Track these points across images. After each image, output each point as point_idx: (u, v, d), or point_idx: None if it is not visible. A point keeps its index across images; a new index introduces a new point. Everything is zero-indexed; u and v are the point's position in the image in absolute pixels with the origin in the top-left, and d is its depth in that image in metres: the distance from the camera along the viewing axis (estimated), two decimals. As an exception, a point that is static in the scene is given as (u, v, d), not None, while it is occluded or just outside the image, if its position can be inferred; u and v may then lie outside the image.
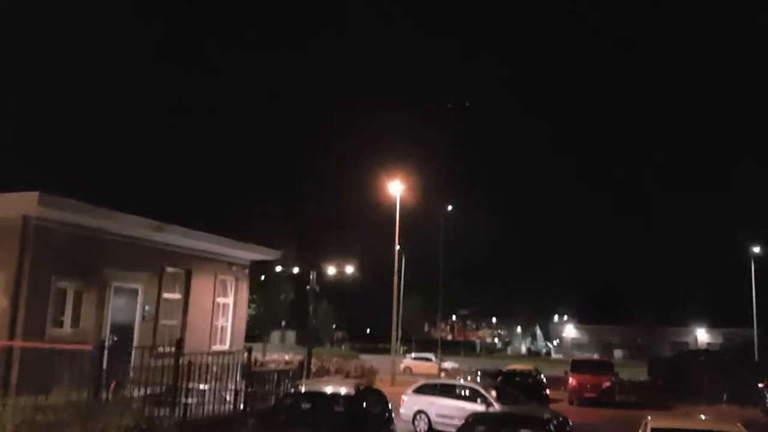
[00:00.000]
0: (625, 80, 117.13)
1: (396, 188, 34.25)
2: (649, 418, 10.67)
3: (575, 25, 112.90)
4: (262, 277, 48.40)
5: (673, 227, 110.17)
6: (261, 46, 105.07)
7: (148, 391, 13.04)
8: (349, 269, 57.11)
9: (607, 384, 28.01)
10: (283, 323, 75.13)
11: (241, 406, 14.88)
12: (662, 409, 25.43)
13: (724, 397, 28.62)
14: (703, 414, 19.01)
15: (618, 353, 72.33)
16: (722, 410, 26.60)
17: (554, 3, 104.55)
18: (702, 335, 77.88)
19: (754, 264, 47.89)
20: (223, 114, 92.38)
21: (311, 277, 23.26)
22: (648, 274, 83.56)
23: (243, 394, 15.00)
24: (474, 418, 11.81)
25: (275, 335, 72.90)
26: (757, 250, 47.91)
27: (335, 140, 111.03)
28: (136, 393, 12.74)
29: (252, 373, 15.28)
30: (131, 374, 13.80)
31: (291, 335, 79.29)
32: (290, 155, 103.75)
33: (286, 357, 35.09)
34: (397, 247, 34.58)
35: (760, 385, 26.58)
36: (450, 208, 44.17)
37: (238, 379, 15.76)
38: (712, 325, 76.59)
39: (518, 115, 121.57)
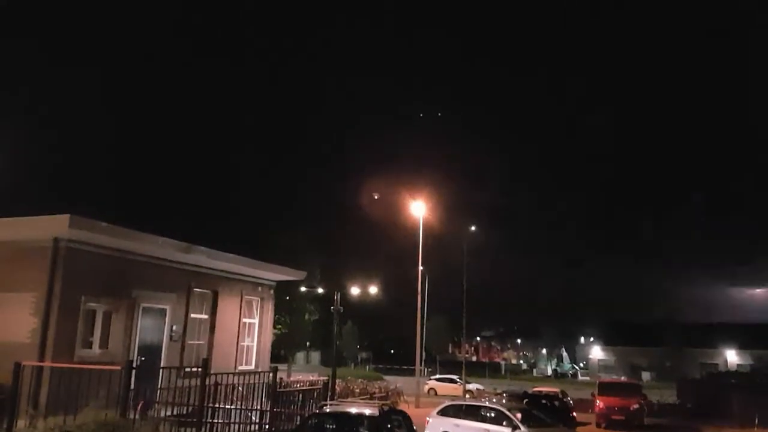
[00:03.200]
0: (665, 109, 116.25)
1: (419, 208, 34.33)
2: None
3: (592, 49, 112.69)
4: (287, 298, 48.64)
5: (703, 248, 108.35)
6: (287, 62, 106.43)
7: (175, 411, 13.19)
8: (373, 290, 57.11)
9: (635, 406, 27.49)
10: (308, 344, 75.21)
11: (267, 426, 14.95)
12: (692, 433, 25.03)
13: (756, 420, 27.91)
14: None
15: (646, 375, 70.97)
16: (754, 434, 26.05)
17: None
18: (732, 357, 76.13)
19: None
20: (251, 136, 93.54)
21: (336, 297, 23.29)
22: (676, 292, 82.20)
23: (268, 414, 15.07)
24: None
25: (300, 356, 72.91)
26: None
27: (360, 160, 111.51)
28: (163, 413, 12.89)
29: (277, 394, 15.35)
30: (159, 394, 13.97)
31: (315, 356, 79.26)
32: (316, 176, 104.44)
33: (311, 377, 35.03)
34: (421, 268, 34.58)
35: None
36: (473, 228, 44.13)
37: (263, 399, 15.85)
38: (741, 347, 74.88)
39: (544, 131, 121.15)
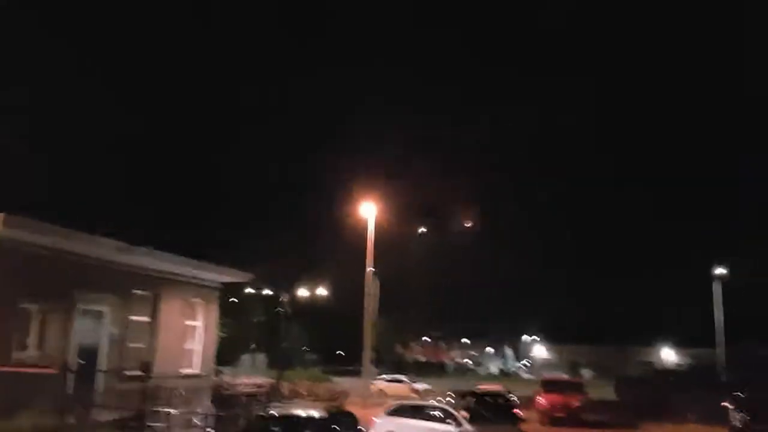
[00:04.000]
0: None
1: (369, 209, 34.26)
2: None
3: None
4: (233, 300, 48.02)
5: (642, 249, 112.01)
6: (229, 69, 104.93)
7: (116, 416, 12.85)
8: (321, 291, 56.92)
9: (576, 404, 28.19)
10: (253, 346, 74.29)
11: (211, 430, 14.73)
12: (630, 429, 25.76)
13: (692, 416, 28.99)
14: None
15: (586, 373, 73.06)
16: (689, 429, 27.01)
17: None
18: (668, 355, 79.14)
19: (719, 285, 48.90)
20: (199, 135, 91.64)
21: (283, 299, 23.06)
22: (616, 294, 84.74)
23: (212, 417, 14.85)
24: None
25: (245, 358, 71.97)
26: (722, 271, 48.99)
27: (309, 160, 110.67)
28: (103, 417, 12.53)
29: (222, 397, 15.15)
30: (97, 398, 13.58)
31: (261, 358, 78.28)
32: (263, 176, 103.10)
33: (257, 380, 34.66)
34: (370, 269, 34.57)
35: (726, 404, 27.00)
36: (423, 230, 44.57)
37: (207, 402, 15.61)
38: (678, 345, 77.94)
39: (496, 133, 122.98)
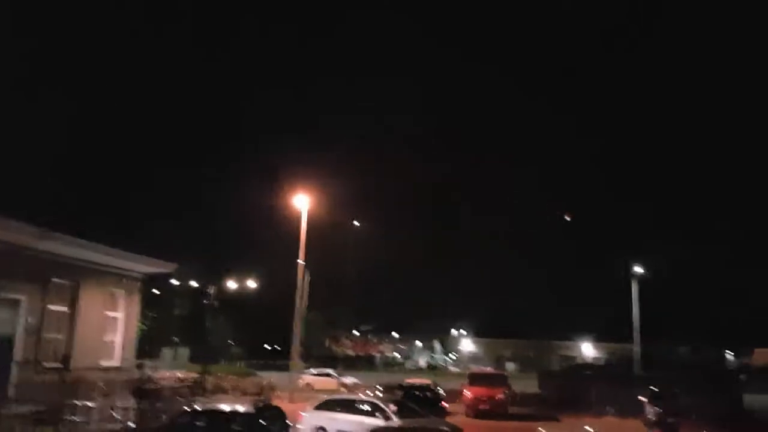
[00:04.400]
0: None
1: (302, 202, 33.83)
2: (541, 431, 10.93)
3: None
4: (155, 291, 46.65)
5: (562, 244, 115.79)
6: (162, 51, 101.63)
7: (31, 409, 12.20)
8: (250, 284, 55.99)
9: (500, 396, 28.77)
10: (176, 339, 72.49)
11: (131, 425, 14.20)
12: (552, 421, 26.47)
13: (609, 409, 30.08)
14: (589, 426, 20.06)
15: (510, 366, 75.00)
16: (607, 422, 28.01)
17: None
18: (588, 350, 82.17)
19: (636, 282, 51.01)
20: (130, 125, 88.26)
21: (210, 291, 22.45)
22: (541, 288, 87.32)
23: (133, 411, 14.33)
24: (375, 433, 11.80)
25: (167, 352, 70.07)
26: (639, 270, 51.10)
27: (241, 150, 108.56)
28: (16, 410, 11.87)
29: (144, 391, 14.63)
30: (12, 390, 12.86)
31: (184, 352, 76.37)
32: (194, 165, 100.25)
33: (179, 374, 33.76)
34: (302, 262, 34.23)
35: (642, 398, 28.15)
36: (356, 223, 44.53)
37: (128, 396, 15.05)
38: (597, 340, 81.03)
39: (423, 129, 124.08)
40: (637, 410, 28.25)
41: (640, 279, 51.18)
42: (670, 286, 63.90)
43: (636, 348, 51.26)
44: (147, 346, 46.62)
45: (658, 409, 26.56)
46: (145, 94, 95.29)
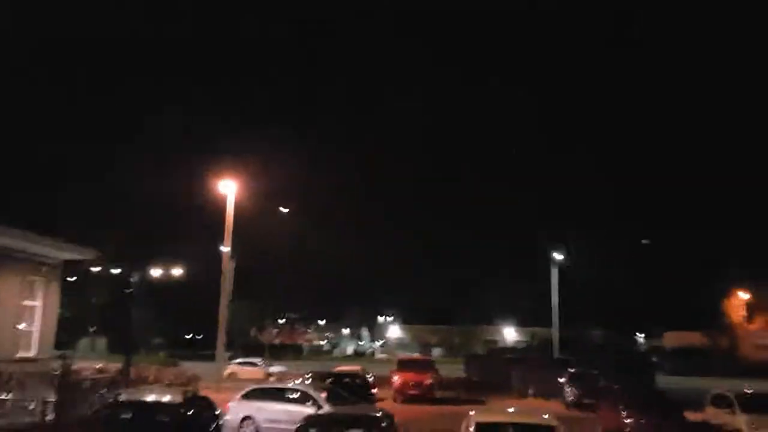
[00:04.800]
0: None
1: (228, 188, 33.03)
2: (472, 413, 11.13)
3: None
4: (71, 279, 44.72)
5: (487, 231, 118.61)
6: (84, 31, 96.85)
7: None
8: (173, 272, 54.39)
9: (428, 381, 29.23)
10: (93, 329, 69.88)
11: (50, 417, 13.58)
12: (478, 404, 27.12)
13: (531, 391, 31.12)
14: (512, 407, 20.67)
15: (436, 351, 76.31)
16: (529, 403, 29.00)
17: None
18: (510, 334, 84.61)
19: (556, 268, 52.78)
20: (50, 109, 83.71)
21: (133, 279, 21.59)
22: (464, 275, 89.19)
23: (52, 404, 13.70)
24: (307, 421, 11.74)
25: (84, 342, 67.43)
26: (559, 256, 52.89)
27: (168, 134, 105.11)
28: None
29: (63, 382, 13.99)
30: None
31: (101, 342, 73.67)
32: (116, 149, 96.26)
33: (98, 365, 32.53)
34: (227, 250, 33.50)
35: (561, 379, 29.28)
36: (284, 210, 44.01)
37: (46, 388, 14.36)
38: (519, 325, 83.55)
39: (357, 115, 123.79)
40: (557, 391, 29.46)
41: (561, 266, 53.03)
42: (585, 272, 66.53)
43: (555, 332, 53.12)
44: (63, 335, 44.68)
45: (576, 390, 27.78)
46: (65, 73, 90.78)
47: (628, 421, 17.41)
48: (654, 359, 55.41)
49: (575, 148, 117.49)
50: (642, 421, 15.01)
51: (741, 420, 17.16)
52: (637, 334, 77.87)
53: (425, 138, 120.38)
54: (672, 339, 72.29)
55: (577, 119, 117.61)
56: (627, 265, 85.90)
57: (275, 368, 42.73)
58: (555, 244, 55.39)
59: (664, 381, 33.77)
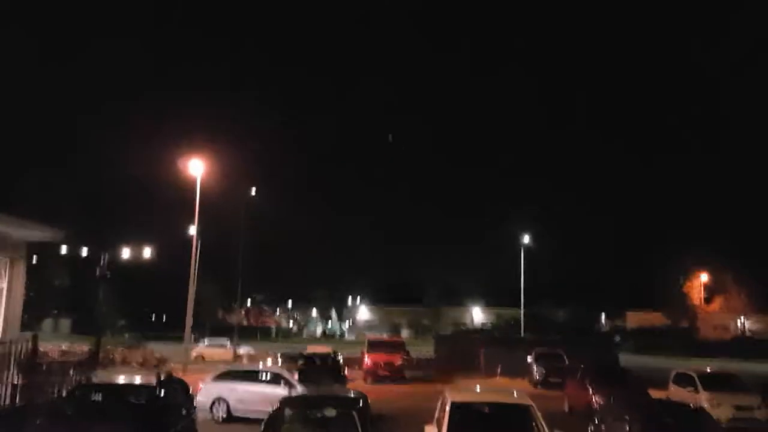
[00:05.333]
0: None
1: (196, 168, 32.59)
2: (447, 393, 11.21)
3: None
4: (34, 260, 43.67)
5: (457, 213, 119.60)
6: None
7: None
8: (139, 253, 53.54)
9: (399, 362, 29.50)
10: (56, 311, 68.57)
11: (19, 401, 13.33)
12: (447, 383, 27.47)
13: (499, 370, 31.63)
14: (480, 385, 21.02)
15: (405, 332, 76.86)
16: (497, 382, 29.50)
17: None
18: (477, 315, 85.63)
19: (522, 250, 53.60)
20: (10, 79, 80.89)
21: (102, 261, 21.21)
22: (433, 257, 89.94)
23: (21, 386, 13.44)
24: (282, 403, 11.73)
25: (47, 323, 66.15)
26: (525, 239, 53.68)
27: (135, 114, 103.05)
28: None
29: (30, 364, 13.71)
30: None
31: (65, 323, 72.42)
32: (82, 128, 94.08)
33: (63, 347, 32.03)
34: (195, 230, 33.12)
35: (528, 359, 29.82)
36: (253, 192, 43.61)
37: (11, 371, 14.06)
38: (486, 305, 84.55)
39: (325, 97, 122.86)
40: (523, 370, 30.02)
41: (526, 247, 53.85)
42: (549, 252, 67.67)
43: (522, 312, 54.05)
44: (26, 317, 43.76)
45: (542, 369, 28.37)
46: (27, 40, 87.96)
47: (595, 398, 17.85)
48: (617, 338, 56.87)
49: (542, 126, 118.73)
50: (610, 399, 15.35)
51: (703, 397, 17.71)
52: (600, 313, 79.59)
53: (397, 113, 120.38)
54: (633, 319, 74.14)
55: (546, 93, 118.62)
56: (589, 245, 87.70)
57: (244, 349, 42.53)
58: (521, 225, 56.25)
59: (626, 360, 34.61)
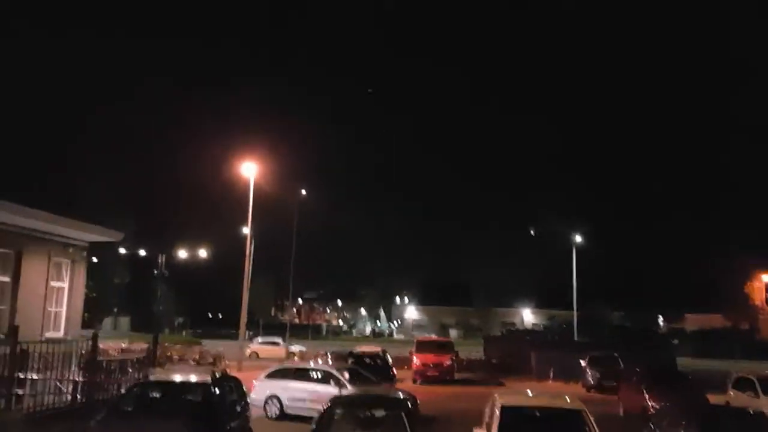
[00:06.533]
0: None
1: (249, 169, 33.30)
2: (496, 396, 11.12)
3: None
4: (95, 260, 45.34)
5: (505, 216, 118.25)
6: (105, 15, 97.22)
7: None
8: (195, 253, 55.01)
9: (448, 363, 29.35)
10: (115, 309, 70.92)
11: (80, 397, 13.86)
12: (497, 386, 27.25)
13: (551, 373, 31.13)
14: (532, 389, 20.75)
15: (454, 333, 76.44)
16: (549, 386, 29.05)
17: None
18: (528, 316, 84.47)
19: (575, 250, 52.55)
20: (66, 85, 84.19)
21: (160, 260, 21.88)
22: (482, 257, 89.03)
23: (82, 384, 13.98)
24: (333, 402, 11.85)
25: (107, 321, 68.50)
26: (578, 239, 52.64)
27: (192, 118, 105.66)
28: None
29: (91, 362, 14.25)
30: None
31: (124, 321, 74.87)
32: (143, 132, 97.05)
33: (123, 344, 33.10)
34: (249, 231, 33.79)
35: (582, 362, 29.23)
36: (303, 192, 44.24)
37: (75, 368, 14.63)
38: (537, 307, 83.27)
39: (377, 99, 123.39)
40: (578, 374, 29.46)
41: (578, 247, 52.79)
42: (605, 254, 66.24)
43: (575, 314, 53.02)
44: (87, 315, 45.45)
45: (596, 372, 27.77)
46: (84, 57, 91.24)
47: (650, 403, 17.41)
48: (674, 341, 55.27)
49: (599, 128, 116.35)
50: (666, 403, 14.95)
51: (763, 402, 17.07)
52: (658, 316, 77.48)
53: (450, 124, 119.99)
54: (692, 321, 71.87)
55: (590, 98, 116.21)
56: (647, 246, 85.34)
57: (296, 347, 43.15)
58: (573, 224, 55.15)
59: (684, 363, 33.63)
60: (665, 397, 15.93)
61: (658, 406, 16.22)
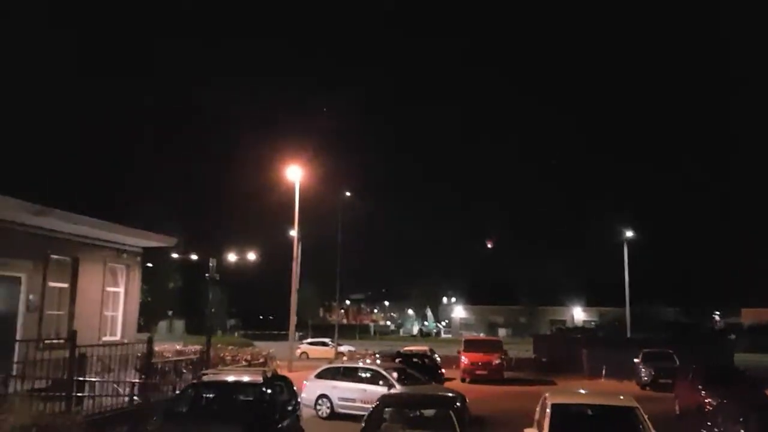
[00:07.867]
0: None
1: (295, 173, 33.79)
2: (547, 395, 11.01)
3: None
4: (150, 265, 46.61)
5: (556, 210, 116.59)
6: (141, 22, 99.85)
7: (35, 385, 12.22)
8: (244, 256, 56.03)
9: (496, 362, 29.15)
10: (170, 312, 72.72)
11: (138, 399, 14.29)
12: (548, 385, 26.92)
13: (603, 371, 30.58)
14: (585, 388, 20.45)
15: (502, 332, 75.72)
16: (602, 384, 28.54)
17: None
18: (578, 314, 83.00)
19: (626, 246, 51.38)
20: (113, 94, 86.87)
21: (211, 264, 22.41)
22: (531, 255, 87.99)
23: (139, 385, 14.41)
24: (382, 401, 11.91)
25: (162, 324, 70.34)
26: (629, 234, 51.46)
27: (238, 125, 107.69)
28: (19, 387, 11.89)
29: (147, 364, 14.68)
30: (16, 368, 12.86)
31: (179, 324, 76.74)
32: (189, 139, 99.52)
33: (177, 347, 33.91)
34: (295, 234, 34.24)
35: (636, 360, 28.62)
36: (348, 194, 44.56)
37: (132, 370, 15.10)
38: (587, 304, 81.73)
39: (423, 103, 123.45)
40: (630, 372, 28.87)
41: (629, 242, 51.59)
42: (657, 248, 64.66)
43: (627, 310, 51.85)
44: (143, 319, 46.76)
45: (651, 370, 27.13)
46: (131, 66, 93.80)
47: (707, 400, 16.95)
48: (731, 337, 53.53)
49: (646, 122, 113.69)
50: (723, 400, 14.54)
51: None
52: (713, 311, 75.19)
53: (497, 120, 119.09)
54: (749, 316, 69.49)
55: (643, 89, 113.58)
56: (702, 240, 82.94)
57: (344, 348, 43.50)
58: (625, 219, 53.93)
59: (741, 359, 32.59)
60: (722, 394, 15.46)
61: (715, 404, 15.79)
